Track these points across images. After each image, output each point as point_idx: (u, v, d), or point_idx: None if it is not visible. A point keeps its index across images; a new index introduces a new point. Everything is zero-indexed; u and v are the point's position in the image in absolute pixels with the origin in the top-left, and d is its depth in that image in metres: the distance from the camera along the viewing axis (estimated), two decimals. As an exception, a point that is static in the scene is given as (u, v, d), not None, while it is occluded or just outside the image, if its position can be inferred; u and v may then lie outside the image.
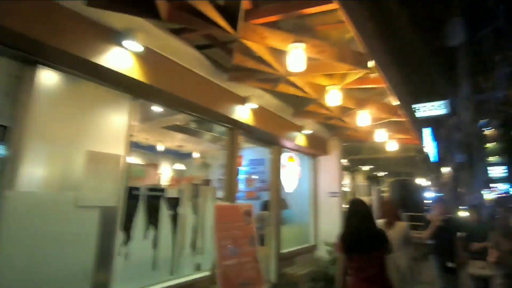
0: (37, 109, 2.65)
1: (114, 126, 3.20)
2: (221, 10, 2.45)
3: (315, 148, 6.75)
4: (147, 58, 3.07)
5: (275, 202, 5.63)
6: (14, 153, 2.49)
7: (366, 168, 10.03)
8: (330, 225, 6.85)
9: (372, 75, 3.97)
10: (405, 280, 3.44)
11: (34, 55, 2.56)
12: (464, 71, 10.88)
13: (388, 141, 6.21)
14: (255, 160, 6.70)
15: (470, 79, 10.65)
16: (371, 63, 3.24)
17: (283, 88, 4.20)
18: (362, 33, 2.54)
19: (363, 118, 4.45)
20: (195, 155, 7.71)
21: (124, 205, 3.23)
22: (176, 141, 6.99)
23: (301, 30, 2.93)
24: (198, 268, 4.16)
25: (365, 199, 10.21)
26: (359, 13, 2.44)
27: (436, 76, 10.36)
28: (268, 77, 3.76)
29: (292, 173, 6.62)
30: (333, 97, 3.75)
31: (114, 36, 2.81)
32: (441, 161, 11.72)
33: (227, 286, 3.14)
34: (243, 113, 4.43)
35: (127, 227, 3.49)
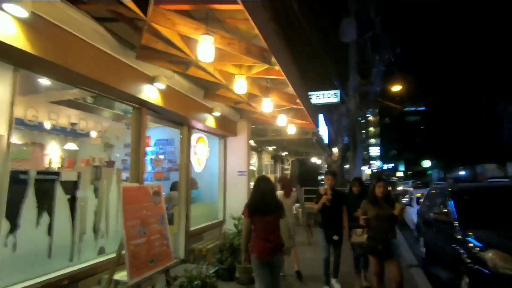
0: None
1: (-8, 101, 2.77)
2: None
3: (225, 129, 7.06)
4: (35, 26, 2.72)
5: (184, 182, 5.75)
6: None
7: (271, 148, 10.95)
8: (238, 201, 7.36)
9: (277, 68, 4.41)
10: (291, 237, 4.62)
11: None
12: (352, 66, 12.76)
13: (288, 125, 6.96)
14: (163, 140, 6.61)
15: (356, 73, 12.57)
16: (273, 59, 3.62)
17: (193, 71, 4.26)
18: (265, 32, 2.83)
19: (267, 105, 4.91)
20: (93, 134, 7.06)
21: (8, 191, 2.88)
22: (69, 118, 6.25)
23: (212, 21, 3.05)
24: (102, 251, 4.03)
25: (270, 176, 11.17)
26: (262, 15, 2.71)
27: (330, 69, 11.84)
28: (178, 60, 3.78)
29: (201, 153, 6.80)
30: (240, 86, 4.03)
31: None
32: (332, 143, 13.72)
33: (136, 265, 3.20)
34: (151, 93, 4.33)
35: (13, 214, 3.12)
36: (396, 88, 14.36)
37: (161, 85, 4.39)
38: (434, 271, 6.12)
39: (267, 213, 3.14)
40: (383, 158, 49.59)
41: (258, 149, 10.14)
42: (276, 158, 11.92)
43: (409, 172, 45.17)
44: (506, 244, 4.00)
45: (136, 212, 3.44)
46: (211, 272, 4.97)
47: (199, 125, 6.17)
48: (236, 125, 7.58)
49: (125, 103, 4.34)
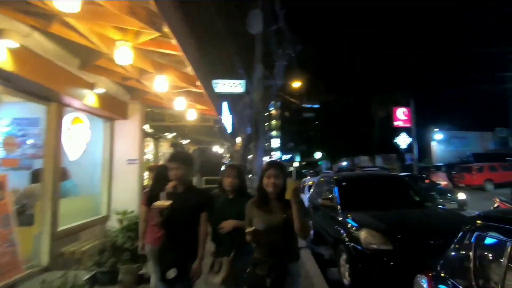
0: None
1: None
2: None
3: (112, 111, 6.05)
4: None
5: (51, 171, 4.62)
6: None
7: (170, 136, 10.19)
8: (127, 193, 6.50)
9: (173, 42, 3.85)
10: None
11: None
12: (257, 58, 12.98)
13: (188, 110, 6.45)
14: (25, 119, 5.19)
15: (261, 65, 12.83)
16: (166, 30, 3.09)
17: (59, 30, 3.33)
18: None
19: (161, 83, 4.31)
20: None
21: None
22: None
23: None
24: None
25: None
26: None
27: (235, 58, 11.74)
28: (33, 10, 2.83)
29: (79, 137, 5.65)
30: (124, 55, 3.34)
31: None
32: (235, 132, 13.76)
33: None
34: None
35: None
36: (296, 84, 15.37)
37: (11, 43, 3.28)
38: (319, 250, 6.74)
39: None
40: (282, 149, 53.96)
41: (155, 136, 9.25)
42: (176, 146, 11.20)
43: (303, 163, 50.18)
44: (374, 223, 4.61)
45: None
46: (84, 279, 4.17)
47: (75, 103, 5.06)
48: (127, 106, 6.61)
49: None
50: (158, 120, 8.22)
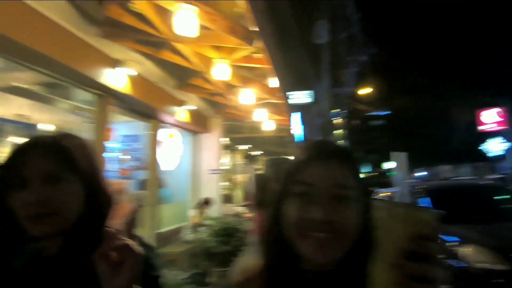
0: None
1: None
2: None
3: (197, 125, 6.63)
4: None
5: (153, 181, 5.25)
6: None
7: (244, 147, 10.64)
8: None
9: (256, 55, 4.11)
10: None
11: None
12: (326, 67, 12.86)
13: (266, 121, 6.70)
14: (129, 136, 6.02)
15: (329, 74, 12.67)
16: (257, 44, 3.33)
17: (166, 55, 3.84)
18: (255, 9, 2.52)
19: (247, 96, 4.60)
20: (47, 127, 6.27)
21: None
22: (16, 108, 5.45)
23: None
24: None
25: (243, 176, 10.84)
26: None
27: (306, 67, 11.81)
28: (150, 39, 3.34)
29: (172, 150, 6.30)
30: (221, 71, 3.68)
31: None
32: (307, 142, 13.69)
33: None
34: (116, 79, 3.83)
35: None
36: (366, 90, 14.71)
37: (129, 71, 3.90)
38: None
39: None
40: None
41: (231, 148, 9.78)
42: (248, 157, 11.63)
43: (375, 173, 47.14)
44: (483, 238, 4.09)
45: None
46: (181, 278, 4.57)
47: (169, 119, 5.70)
48: (209, 120, 7.17)
49: (85, 89, 3.80)
50: (234, 132, 8.69)
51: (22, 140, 0.67)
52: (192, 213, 6.25)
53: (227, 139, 8.40)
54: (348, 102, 17.93)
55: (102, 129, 4.03)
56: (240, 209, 8.91)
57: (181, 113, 5.77)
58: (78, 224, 0.67)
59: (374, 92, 16.66)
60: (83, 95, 5.09)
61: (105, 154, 4.20)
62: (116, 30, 3.20)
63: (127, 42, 3.54)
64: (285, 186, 0.62)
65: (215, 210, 6.38)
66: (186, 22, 2.52)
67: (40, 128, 6.26)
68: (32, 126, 6.33)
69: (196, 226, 6.24)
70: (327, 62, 12.73)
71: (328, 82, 12.62)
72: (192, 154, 7.08)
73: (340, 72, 13.29)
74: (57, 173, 0.66)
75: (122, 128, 6.09)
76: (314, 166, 0.59)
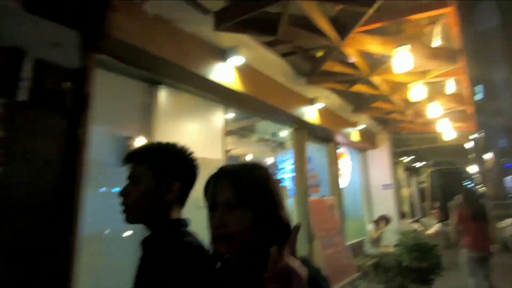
0: (159, 122, 2.98)
1: (213, 133, 3.52)
2: (332, 22, 2.68)
3: (366, 142, 6.91)
4: (242, 69, 3.36)
5: (336, 197, 5.83)
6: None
7: (406, 159, 10.06)
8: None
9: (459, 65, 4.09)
10: None
11: (159, 74, 2.88)
12: (499, 55, 10.75)
13: (448, 131, 6.30)
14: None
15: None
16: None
17: (357, 88, 4.39)
18: (465, 33, 2.72)
19: (434, 109, 4.63)
20: (247, 157, 7.98)
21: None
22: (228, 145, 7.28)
23: (388, 33, 3.14)
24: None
25: (406, 190, 10.17)
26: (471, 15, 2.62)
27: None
28: (347, 79, 3.98)
29: (344, 168, 6.80)
30: (418, 92, 3.95)
31: (220, 53, 3.10)
32: (484, 148, 11.56)
33: (328, 274, 3.39)
34: (309, 113, 4.67)
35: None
36: None
37: (319, 105, 4.69)
38: None
39: None
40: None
41: (396, 161, 9.45)
42: (410, 169, 10.83)
43: None
44: None
45: (320, 224, 3.68)
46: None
47: (343, 140, 6.25)
48: (376, 136, 7.34)
49: (291, 125, 4.80)
50: (399, 146, 8.45)
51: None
52: (370, 227, 6.46)
53: (406, 156, 8.26)
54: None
55: (302, 154, 4.92)
56: (416, 226, 8.41)
57: (353, 133, 6.22)
58: (254, 248, 0.74)
59: None
60: (272, 128, 6.36)
61: (303, 177, 5.05)
62: (321, 78, 4.00)
63: (327, 84, 4.30)
64: None
65: (393, 227, 6.36)
66: (402, 61, 2.97)
67: (240, 158, 8.08)
68: (235, 158, 8.26)
69: (375, 241, 6.39)
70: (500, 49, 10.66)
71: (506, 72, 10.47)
72: (361, 170, 7.38)
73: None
74: (233, 201, 0.75)
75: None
76: None
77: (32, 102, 2.01)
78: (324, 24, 2.60)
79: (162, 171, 0.99)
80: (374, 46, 3.02)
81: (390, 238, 6.05)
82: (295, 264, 0.62)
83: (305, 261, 0.68)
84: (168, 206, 1.00)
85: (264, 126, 6.37)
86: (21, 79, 1.96)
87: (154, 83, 3.02)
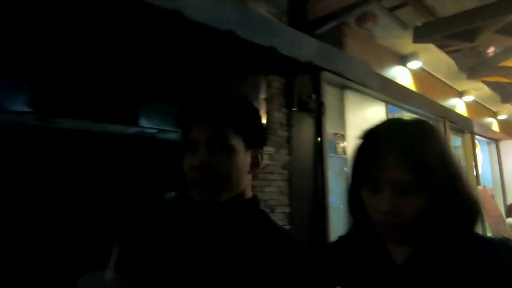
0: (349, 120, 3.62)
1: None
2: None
3: (503, 132, 6.58)
4: (415, 72, 3.77)
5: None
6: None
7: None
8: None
9: None
10: None
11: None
12: None
13: None
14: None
15: None
16: None
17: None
18: None
19: None
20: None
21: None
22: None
23: None
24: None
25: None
26: None
27: None
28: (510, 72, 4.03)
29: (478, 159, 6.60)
30: None
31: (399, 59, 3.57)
32: None
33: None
34: (459, 106, 4.81)
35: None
36: None
37: (469, 98, 4.78)
38: None
39: None
40: None
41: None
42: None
43: None
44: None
45: (488, 212, 3.90)
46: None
47: (480, 131, 6.10)
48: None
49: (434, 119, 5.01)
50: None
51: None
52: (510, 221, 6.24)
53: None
54: None
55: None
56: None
57: (493, 124, 6.03)
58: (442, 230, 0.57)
59: None
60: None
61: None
62: (486, 72, 4.13)
63: (491, 78, 4.40)
64: None
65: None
66: None
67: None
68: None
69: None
70: None
71: None
72: (492, 162, 7.04)
73: None
74: (407, 182, 0.54)
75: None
76: None
77: (299, 110, 2.82)
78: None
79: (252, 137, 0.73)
80: None
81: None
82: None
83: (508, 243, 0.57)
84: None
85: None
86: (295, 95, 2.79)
87: (342, 88, 3.65)
